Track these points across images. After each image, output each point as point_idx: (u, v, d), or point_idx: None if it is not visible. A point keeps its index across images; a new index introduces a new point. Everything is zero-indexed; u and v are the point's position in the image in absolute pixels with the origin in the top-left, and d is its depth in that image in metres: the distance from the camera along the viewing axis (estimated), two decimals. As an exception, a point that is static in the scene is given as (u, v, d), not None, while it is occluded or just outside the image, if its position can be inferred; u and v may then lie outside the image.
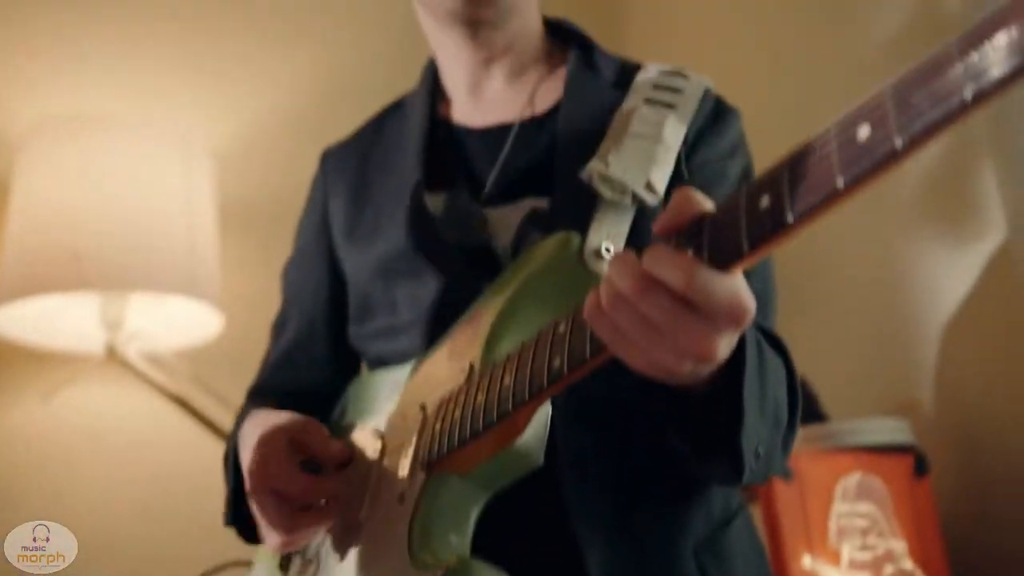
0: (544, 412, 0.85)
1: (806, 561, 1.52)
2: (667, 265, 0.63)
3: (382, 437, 1.01)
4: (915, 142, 0.53)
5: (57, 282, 1.72)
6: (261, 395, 1.24)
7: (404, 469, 0.92)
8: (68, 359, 1.96)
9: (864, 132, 0.56)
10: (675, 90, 1.09)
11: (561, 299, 0.91)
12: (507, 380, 0.81)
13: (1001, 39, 0.50)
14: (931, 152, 1.78)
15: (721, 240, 0.63)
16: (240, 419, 1.18)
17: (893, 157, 0.54)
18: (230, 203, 2.10)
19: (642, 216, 0.99)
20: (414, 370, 1.05)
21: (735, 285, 0.63)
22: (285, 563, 1.07)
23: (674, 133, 1.03)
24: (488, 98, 1.20)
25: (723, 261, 0.63)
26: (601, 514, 0.94)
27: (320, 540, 1.02)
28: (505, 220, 1.08)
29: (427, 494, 0.88)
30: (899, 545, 1.57)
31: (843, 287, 1.94)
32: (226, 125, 2.25)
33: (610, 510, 0.95)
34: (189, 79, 2.25)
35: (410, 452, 0.92)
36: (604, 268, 0.92)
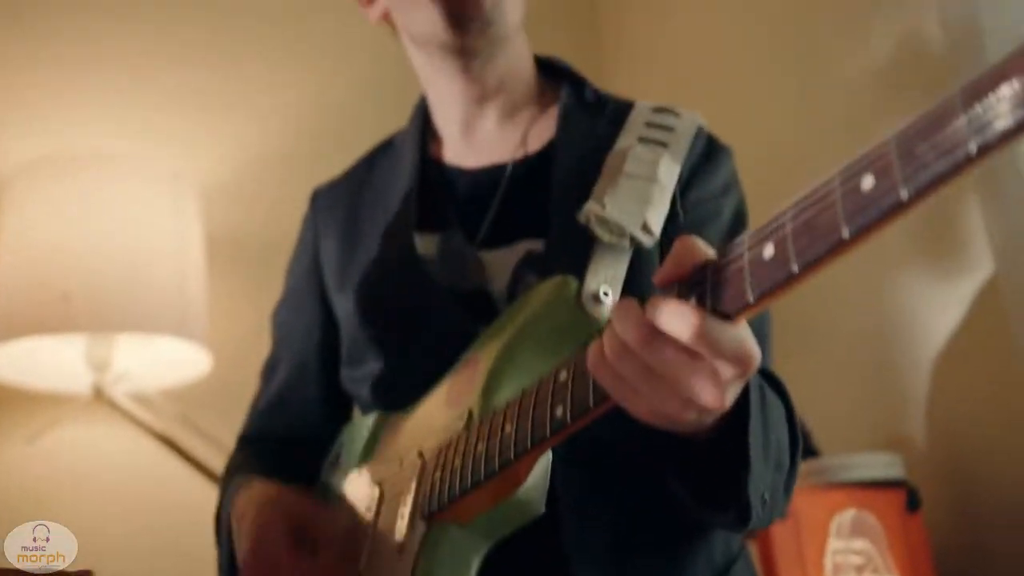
0: (545, 460, 0.84)
1: (802, 599, 1.52)
2: (672, 316, 0.63)
3: (379, 485, 1.00)
4: (921, 194, 0.53)
5: (45, 324, 1.71)
6: (252, 442, 1.23)
7: (403, 519, 0.90)
8: (55, 400, 1.94)
9: (868, 182, 0.56)
10: (668, 128, 1.09)
11: (559, 344, 0.91)
12: (508, 428, 0.80)
13: (1005, 91, 0.50)
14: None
15: (725, 290, 0.63)
16: (231, 472, 1.16)
17: (899, 208, 0.54)
18: (218, 240, 2.09)
19: (639, 258, 0.99)
20: (409, 415, 1.04)
21: (740, 334, 0.63)
22: None
23: (669, 173, 1.03)
24: (480, 137, 1.19)
25: (728, 311, 0.62)
26: (601, 559, 0.93)
27: None
28: (500, 263, 1.07)
29: (427, 545, 0.87)
30: (894, 581, 1.57)
31: (832, 321, 1.94)
32: (215, 162, 2.24)
33: (611, 555, 0.94)
34: (178, 116, 2.24)
35: (409, 501, 0.91)
36: (602, 312, 0.92)
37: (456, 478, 0.86)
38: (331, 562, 0.95)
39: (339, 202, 1.27)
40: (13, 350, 1.79)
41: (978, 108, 0.51)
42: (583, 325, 0.90)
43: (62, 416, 1.93)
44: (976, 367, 1.72)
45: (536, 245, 1.06)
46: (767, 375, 0.92)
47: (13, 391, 1.92)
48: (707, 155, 1.11)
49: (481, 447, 0.83)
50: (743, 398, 0.74)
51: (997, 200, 1.66)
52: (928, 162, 0.53)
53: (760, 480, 0.79)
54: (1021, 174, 1.61)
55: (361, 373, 1.15)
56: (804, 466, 1.60)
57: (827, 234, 0.57)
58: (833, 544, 1.55)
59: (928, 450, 1.78)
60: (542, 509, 0.85)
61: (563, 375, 0.76)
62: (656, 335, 0.63)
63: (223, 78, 2.30)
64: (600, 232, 0.97)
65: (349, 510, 1.02)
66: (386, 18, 1.20)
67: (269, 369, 1.28)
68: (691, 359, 0.63)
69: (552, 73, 1.24)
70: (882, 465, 1.64)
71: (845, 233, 0.56)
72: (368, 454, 1.07)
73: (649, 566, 0.95)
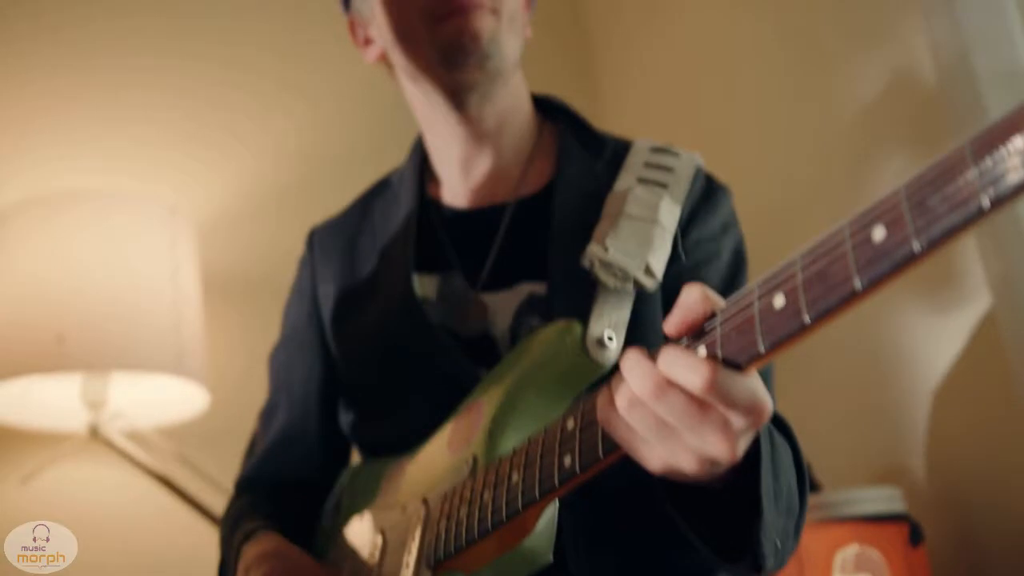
0: (552, 508, 0.84)
1: (807, 636, 1.50)
2: (684, 367, 0.62)
3: (382, 532, 0.99)
4: (934, 246, 0.53)
5: (40, 364, 1.69)
6: (251, 487, 1.21)
7: (408, 568, 0.89)
8: (51, 439, 1.93)
9: (880, 234, 0.55)
10: (667, 169, 1.09)
11: (563, 388, 0.90)
12: (515, 477, 0.80)
13: (1018, 143, 0.50)
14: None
15: (735, 340, 0.62)
16: (232, 520, 1.14)
17: (912, 260, 0.54)
18: (214, 276, 2.09)
19: (642, 301, 0.99)
20: (411, 460, 1.03)
21: (752, 385, 0.63)
22: None
23: (669, 214, 1.03)
24: (479, 177, 1.18)
25: (739, 361, 0.62)
26: (608, 604, 0.93)
27: None
28: (502, 305, 1.07)
29: (434, 594, 0.86)
30: (898, 617, 1.56)
31: (830, 354, 1.94)
32: (210, 197, 2.24)
33: (617, 600, 0.93)
34: (173, 152, 2.24)
35: (414, 549, 0.90)
36: (607, 357, 0.92)
37: (463, 527, 0.85)
38: None
39: (336, 243, 1.26)
40: (8, 390, 1.78)
41: (988, 161, 0.51)
42: (588, 370, 0.90)
43: (58, 455, 1.91)
44: (974, 400, 1.72)
45: (537, 287, 1.06)
46: (774, 418, 0.91)
47: (8, 430, 1.91)
48: (706, 195, 1.11)
49: (488, 496, 0.83)
50: (754, 446, 0.74)
51: (994, 234, 1.66)
52: (940, 215, 0.53)
53: (773, 528, 0.78)
54: (1016, 208, 1.62)
55: (361, 417, 1.14)
56: (806, 501, 1.60)
57: (839, 285, 0.57)
58: (837, 580, 1.54)
59: (927, 482, 1.78)
60: (550, 559, 0.84)
61: (571, 424, 0.75)
62: (667, 386, 0.63)
63: (218, 114, 2.31)
64: (603, 276, 0.97)
65: (352, 558, 1.00)
66: (383, 58, 1.20)
67: (267, 414, 1.26)
68: (702, 410, 0.62)
69: (549, 112, 1.24)
70: (884, 499, 1.63)
71: (858, 284, 0.56)
72: (369, 500, 1.06)
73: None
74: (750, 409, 0.62)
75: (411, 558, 0.90)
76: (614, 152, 1.15)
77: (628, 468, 0.73)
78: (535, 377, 0.92)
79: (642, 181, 1.07)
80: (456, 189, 1.20)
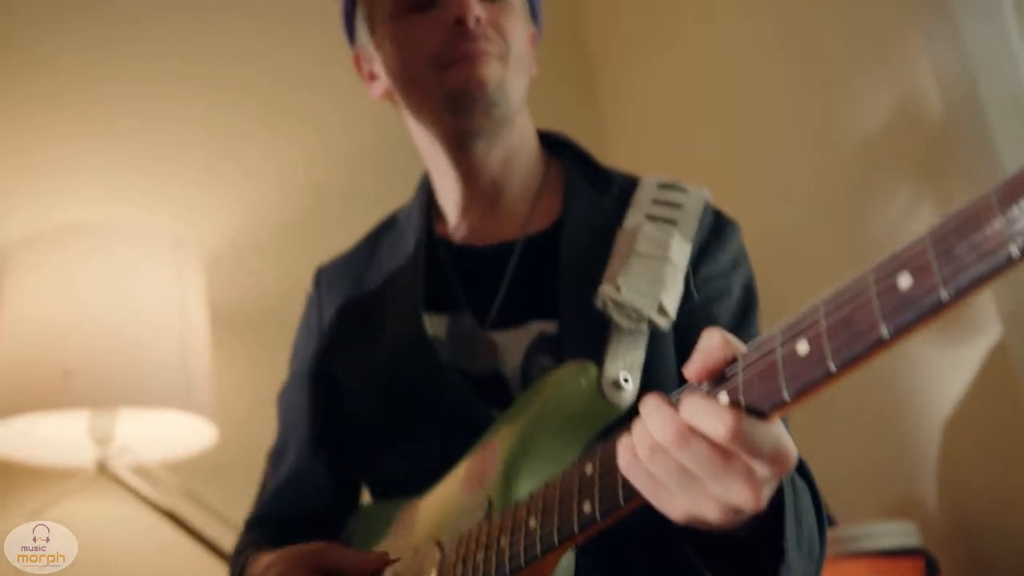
0: (570, 554, 0.83)
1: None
2: (707, 416, 0.62)
3: (395, 576, 0.98)
4: (962, 294, 0.52)
5: (47, 400, 1.69)
6: (260, 525, 1.20)
7: (425, 614, 0.89)
8: (58, 475, 1.92)
9: (906, 281, 0.55)
10: (675, 205, 1.09)
11: (578, 430, 0.90)
12: (533, 523, 0.79)
13: (1043, 194, 0.50)
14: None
15: (758, 386, 0.62)
16: (240, 553, 1.13)
17: (939, 308, 0.53)
18: (221, 309, 2.08)
19: (655, 340, 0.98)
20: (423, 501, 1.02)
21: (776, 433, 0.62)
22: None
23: (680, 252, 1.03)
24: (486, 215, 1.18)
25: (763, 409, 0.61)
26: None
27: None
28: (512, 344, 1.06)
29: (449, 642, 0.85)
30: (915, 652, 1.54)
31: (840, 386, 1.92)
32: (217, 230, 2.24)
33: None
34: (180, 185, 2.24)
35: (430, 595, 0.89)
36: (622, 399, 0.91)
37: (479, 572, 0.84)
38: None
39: (343, 281, 1.25)
40: (15, 426, 1.77)
41: (1015, 210, 0.50)
42: (603, 412, 0.89)
43: (66, 491, 1.90)
44: (986, 430, 1.71)
45: (548, 326, 1.05)
46: None
47: (16, 466, 1.89)
48: (715, 231, 1.11)
49: (504, 541, 0.82)
50: (777, 492, 0.73)
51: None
52: (968, 263, 0.52)
53: (795, 572, 0.77)
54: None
55: (371, 456, 1.13)
56: (821, 536, 1.58)
57: (865, 332, 0.56)
58: (854, 616, 1.52)
59: (940, 513, 1.76)
60: None
61: (589, 469, 0.75)
62: (690, 434, 0.62)
63: (225, 145, 2.31)
64: (617, 317, 0.96)
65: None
66: (389, 94, 1.21)
67: (276, 454, 1.25)
68: (726, 459, 0.62)
69: (555, 148, 1.24)
70: (900, 533, 1.62)
71: (884, 332, 0.55)
72: (380, 541, 1.05)
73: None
74: (775, 458, 0.62)
75: (427, 604, 0.89)
76: (621, 188, 1.15)
77: (646, 511, 0.72)
78: (550, 418, 0.92)
79: (651, 218, 1.07)
80: (463, 226, 1.20)
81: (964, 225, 0.53)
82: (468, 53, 1.07)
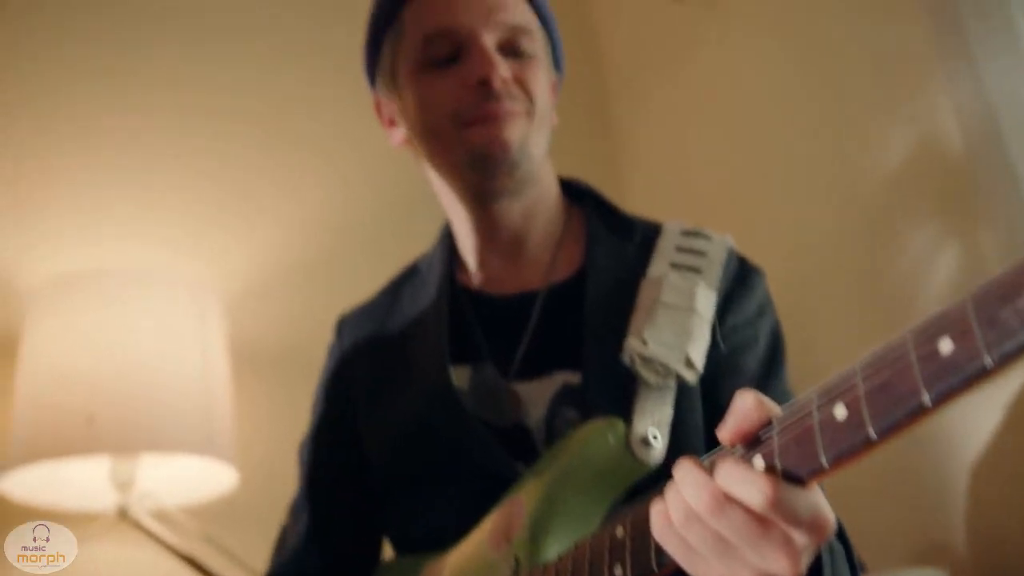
0: None
1: None
2: (743, 483, 0.60)
3: (424, 635, 0.96)
4: (1007, 360, 0.51)
5: (71, 447, 1.68)
6: None
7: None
8: (79, 519, 1.91)
9: (947, 346, 0.54)
10: (699, 253, 1.08)
11: (606, 488, 0.88)
12: None
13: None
14: (946, 293, 1.78)
15: (795, 452, 0.60)
16: None
17: (983, 375, 0.52)
18: (242, 351, 2.08)
19: (683, 394, 0.97)
20: (447, 558, 1.00)
21: (815, 500, 0.61)
22: None
23: (706, 301, 1.02)
24: (507, 264, 1.17)
25: (800, 475, 0.60)
26: None
27: None
28: (536, 395, 1.05)
29: None
30: None
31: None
32: (238, 269, 2.24)
33: None
34: (199, 224, 2.24)
35: (458, 655, 0.88)
36: (651, 456, 0.89)
37: None
38: None
39: (365, 331, 1.24)
40: (37, 472, 1.77)
41: (1060, 273, 0.49)
42: (632, 470, 0.88)
43: (86, 536, 1.89)
44: (1016, 474, 1.68)
45: (572, 377, 1.04)
46: None
47: (37, 512, 1.89)
48: (740, 279, 1.10)
49: None
50: (816, 559, 0.71)
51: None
52: (1013, 329, 0.51)
53: None
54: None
55: (395, 511, 1.12)
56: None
57: (906, 398, 0.55)
58: (884, 666, 1.49)
59: (970, 557, 1.73)
60: None
61: (620, 532, 0.73)
62: (726, 502, 0.61)
63: (245, 186, 2.31)
64: (645, 373, 0.95)
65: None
66: (408, 142, 1.20)
67: (297, 508, 1.24)
68: (764, 528, 0.60)
69: (575, 195, 1.23)
70: (930, 581, 1.59)
71: (926, 399, 0.54)
72: (405, 597, 1.04)
73: None
74: (813, 526, 0.60)
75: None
76: (644, 235, 1.14)
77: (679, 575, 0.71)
78: (577, 476, 0.90)
79: (675, 267, 1.06)
80: (484, 276, 1.19)
81: (1008, 291, 0.52)
82: (492, 113, 1.06)
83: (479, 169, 1.08)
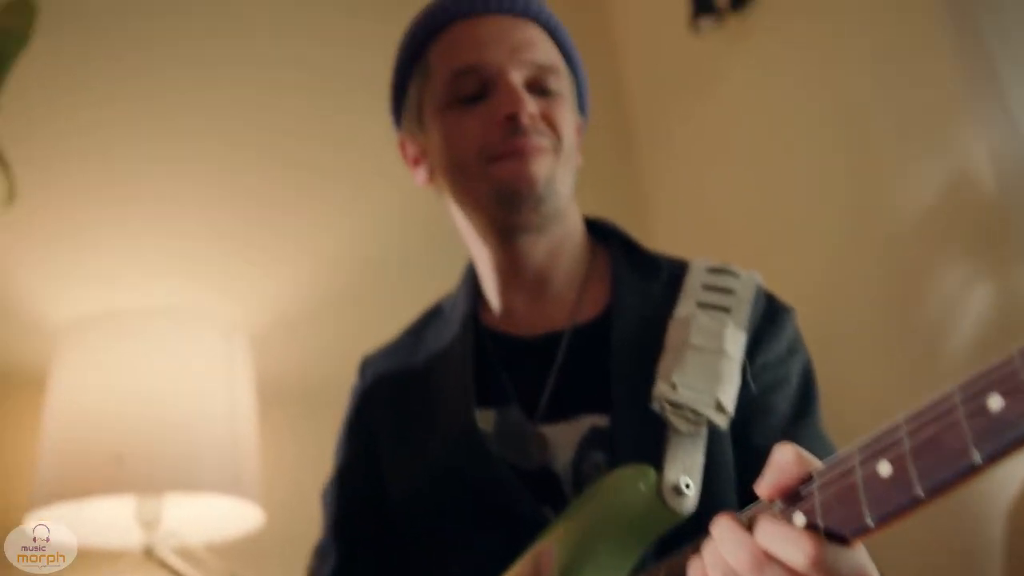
0: None
1: None
2: (785, 541, 0.59)
3: None
4: (1059, 420, 0.50)
5: (98, 486, 1.68)
6: None
7: None
8: (104, 558, 1.90)
9: (996, 403, 0.52)
10: (727, 291, 1.06)
11: (637, 538, 0.87)
12: None
13: None
14: (978, 333, 1.75)
15: (838, 510, 0.59)
16: None
17: (1036, 433, 0.50)
18: (267, 384, 2.07)
19: (714, 440, 0.95)
20: None
21: (859, 560, 0.59)
22: None
23: (735, 342, 1.01)
24: (532, 305, 1.16)
25: (844, 534, 0.58)
26: None
27: None
28: (563, 438, 1.03)
29: None
30: None
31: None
32: (265, 306, 2.24)
33: None
34: (226, 260, 2.25)
35: None
36: (684, 505, 0.88)
37: None
38: None
39: (389, 372, 1.23)
40: (63, 510, 1.76)
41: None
42: (664, 519, 0.86)
43: (112, 575, 1.88)
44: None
45: (599, 420, 1.03)
46: None
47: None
48: (770, 317, 1.08)
49: None
50: None
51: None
52: (1066, 386, 0.49)
53: None
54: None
55: (419, 557, 1.10)
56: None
57: (955, 457, 0.53)
58: None
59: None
60: None
61: (655, 585, 0.72)
62: (766, 561, 0.59)
63: (271, 221, 2.32)
64: (675, 419, 0.93)
65: None
66: (433, 181, 1.20)
67: (321, 553, 1.22)
68: None
69: (601, 234, 1.22)
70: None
71: (976, 458, 0.52)
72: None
73: None
74: None
75: None
76: (670, 274, 1.13)
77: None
78: (608, 524, 0.89)
79: (703, 306, 1.04)
80: (509, 317, 1.18)
81: (1058, 345, 0.50)
82: (520, 148, 1.06)
83: (505, 204, 1.08)
